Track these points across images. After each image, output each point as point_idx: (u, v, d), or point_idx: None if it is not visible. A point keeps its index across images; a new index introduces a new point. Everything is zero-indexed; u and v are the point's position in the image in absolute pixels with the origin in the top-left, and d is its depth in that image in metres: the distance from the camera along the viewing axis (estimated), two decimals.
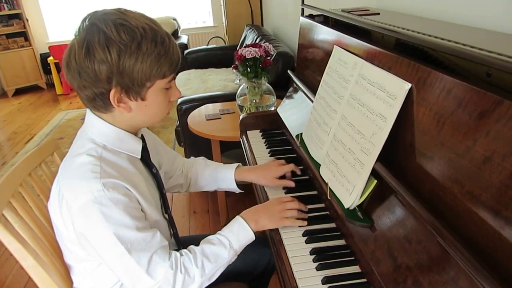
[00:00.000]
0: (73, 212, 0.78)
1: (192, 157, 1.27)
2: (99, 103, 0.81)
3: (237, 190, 1.22)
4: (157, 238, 0.83)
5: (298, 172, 1.19)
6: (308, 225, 0.99)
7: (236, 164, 1.21)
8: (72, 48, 0.77)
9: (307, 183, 1.18)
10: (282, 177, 1.16)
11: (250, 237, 0.93)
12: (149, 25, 0.77)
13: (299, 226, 0.98)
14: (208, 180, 1.21)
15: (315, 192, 1.13)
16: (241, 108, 2.05)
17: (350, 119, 0.94)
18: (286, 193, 1.14)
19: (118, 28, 0.74)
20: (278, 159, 1.32)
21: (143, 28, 0.76)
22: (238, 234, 0.92)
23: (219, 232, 0.93)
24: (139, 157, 0.90)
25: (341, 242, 0.93)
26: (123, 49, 0.74)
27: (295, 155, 1.36)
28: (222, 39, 5.21)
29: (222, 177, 1.20)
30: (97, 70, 0.75)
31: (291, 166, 1.17)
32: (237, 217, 0.96)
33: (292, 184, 1.14)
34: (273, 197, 1.14)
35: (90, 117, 0.86)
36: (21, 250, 0.82)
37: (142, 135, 0.95)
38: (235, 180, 1.19)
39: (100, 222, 0.77)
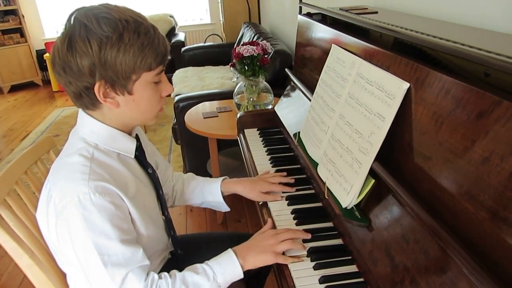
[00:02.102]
0: (58, 212, 0.76)
1: (180, 172, 1.23)
2: (86, 99, 0.79)
3: (225, 207, 1.18)
4: (138, 256, 0.79)
5: (292, 181, 1.14)
6: (305, 224, 0.99)
7: (223, 177, 1.18)
8: (56, 45, 0.76)
9: (304, 182, 1.18)
10: None
11: (237, 273, 0.86)
12: (132, 17, 0.76)
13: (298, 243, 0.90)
14: (194, 193, 1.17)
15: (312, 191, 1.13)
16: (238, 106, 2.05)
17: (348, 118, 0.94)
18: (283, 191, 1.13)
19: (99, 20, 0.73)
20: (275, 158, 1.33)
21: (125, 19, 0.75)
22: (225, 267, 0.86)
23: (207, 261, 0.88)
24: (133, 156, 0.89)
25: (339, 241, 0.93)
26: (104, 41, 0.72)
27: (292, 153, 1.36)
28: (220, 36, 5.19)
29: (209, 190, 1.16)
30: (79, 63, 0.74)
31: (280, 187, 1.11)
32: (229, 250, 0.90)
33: (278, 198, 1.09)
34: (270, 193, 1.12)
35: (82, 116, 0.84)
36: (17, 249, 0.82)
37: (137, 135, 0.93)
38: (222, 194, 1.15)
39: (80, 227, 0.74)
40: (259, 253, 0.88)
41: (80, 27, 0.73)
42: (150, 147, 1.05)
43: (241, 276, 0.87)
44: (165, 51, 0.80)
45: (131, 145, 0.88)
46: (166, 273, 0.84)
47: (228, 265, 0.86)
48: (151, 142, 1.12)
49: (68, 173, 0.77)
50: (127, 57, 0.75)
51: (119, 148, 0.85)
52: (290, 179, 1.15)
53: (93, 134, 0.83)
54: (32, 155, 1.02)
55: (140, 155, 0.91)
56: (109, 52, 0.73)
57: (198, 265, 0.87)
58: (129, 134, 0.89)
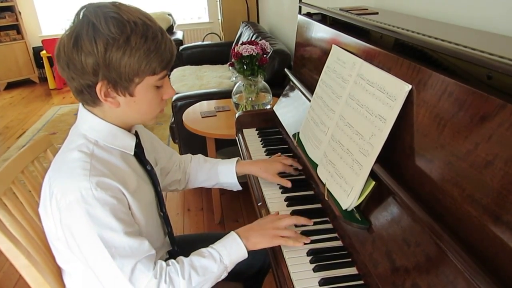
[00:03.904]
0: (61, 209, 0.76)
1: (189, 154, 1.25)
2: (87, 96, 0.79)
3: (237, 186, 1.20)
4: (144, 246, 0.81)
5: (300, 167, 1.20)
6: (305, 226, 0.98)
7: (236, 158, 1.20)
8: (62, 40, 0.76)
9: (304, 183, 1.17)
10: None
11: (242, 253, 0.89)
12: (142, 20, 0.75)
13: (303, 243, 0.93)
14: (208, 175, 1.19)
15: (311, 192, 1.13)
16: (236, 105, 2.04)
17: (348, 119, 0.93)
18: (282, 192, 1.13)
19: (108, 21, 0.72)
20: None
21: (134, 22, 0.74)
22: (230, 249, 0.88)
23: (211, 245, 0.90)
24: (132, 153, 0.89)
25: (338, 243, 0.92)
26: (111, 42, 0.72)
27: (291, 154, 1.35)
28: (218, 35, 5.18)
29: (223, 170, 1.18)
30: (84, 62, 0.73)
31: (291, 169, 1.18)
32: (231, 232, 0.92)
33: (288, 184, 1.13)
34: (268, 194, 1.13)
35: (82, 112, 0.85)
36: (13, 249, 0.81)
37: (136, 132, 0.93)
38: (236, 174, 1.18)
39: (85, 222, 0.75)
40: (260, 234, 0.91)
41: (88, 25, 0.73)
42: (149, 143, 1.05)
43: (246, 255, 0.89)
44: (171, 56, 0.80)
45: (131, 142, 0.88)
46: (173, 260, 0.85)
47: (233, 247, 0.89)
48: (153, 134, 1.12)
49: (69, 169, 0.77)
50: (132, 61, 0.74)
51: (118, 145, 0.86)
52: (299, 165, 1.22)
53: (93, 130, 0.83)
54: (29, 154, 1.01)
55: (139, 152, 0.91)
56: (114, 53, 0.73)
57: (203, 249, 0.89)
58: (129, 131, 0.89)
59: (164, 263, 0.83)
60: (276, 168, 1.16)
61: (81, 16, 0.75)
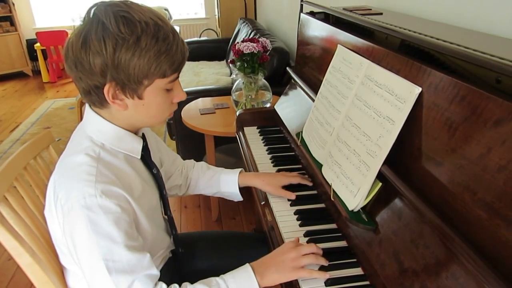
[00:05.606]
0: (64, 213, 0.74)
1: (192, 160, 1.23)
2: (95, 97, 0.77)
3: (238, 197, 1.18)
4: (144, 263, 0.76)
5: (310, 184, 1.13)
6: (309, 225, 0.98)
7: (239, 169, 1.18)
8: (71, 39, 0.74)
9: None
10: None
11: None
12: (153, 20, 0.73)
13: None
14: (210, 183, 1.17)
15: (315, 192, 1.13)
16: (236, 103, 2.03)
17: (355, 120, 0.93)
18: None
19: (118, 20, 0.70)
20: (277, 157, 1.33)
21: (145, 22, 0.72)
22: (240, 283, 0.80)
23: (222, 275, 0.83)
24: (139, 157, 0.87)
25: (343, 243, 0.93)
26: (120, 42, 0.70)
27: (293, 153, 1.35)
28: (215, 31, 5.16)
29: (225, 179, 1.16)
30: (92, 62, 0.71)
31: (297, 179, 1.13)
32: (246, 265, 0.84)
33: (292, 196, 1.09)
34: (274, 200, 1.10)
35: (89, 113, 0.82)
36: (18, 247, 0.80)
37: (143, 134, 0.92)
38: (238, 185, 1.15)
39: (85, 229, 0.72)
40: (278, 269, 0.82)
41: (98, 24, 0.70)
42: (154, 143, 1.03)
43: None
44: (182, 58, 0.78)
45: (138, 146, 0.86)
46: (176, 285, 0.80)
47: (243, 281, 0.81)
48: (157, 136, 1.10)
49: (75, 174, 0.75)
50: (142, 62, 0.72)
51: (125, 149, 0.84)
52: (309, 182, 1.14)
53: (100, 133, 0.81)
54: (31, 150, 1.00)
55: (145, 155, 0.90)
56: (123, 54, 0.71)
57: (212, 278, 0.82)
58: (136, 133, 0.87)
59: (165, 286, 0.78)
60: (279, 180, 1.12)
61: (91, 15, 0.72)
